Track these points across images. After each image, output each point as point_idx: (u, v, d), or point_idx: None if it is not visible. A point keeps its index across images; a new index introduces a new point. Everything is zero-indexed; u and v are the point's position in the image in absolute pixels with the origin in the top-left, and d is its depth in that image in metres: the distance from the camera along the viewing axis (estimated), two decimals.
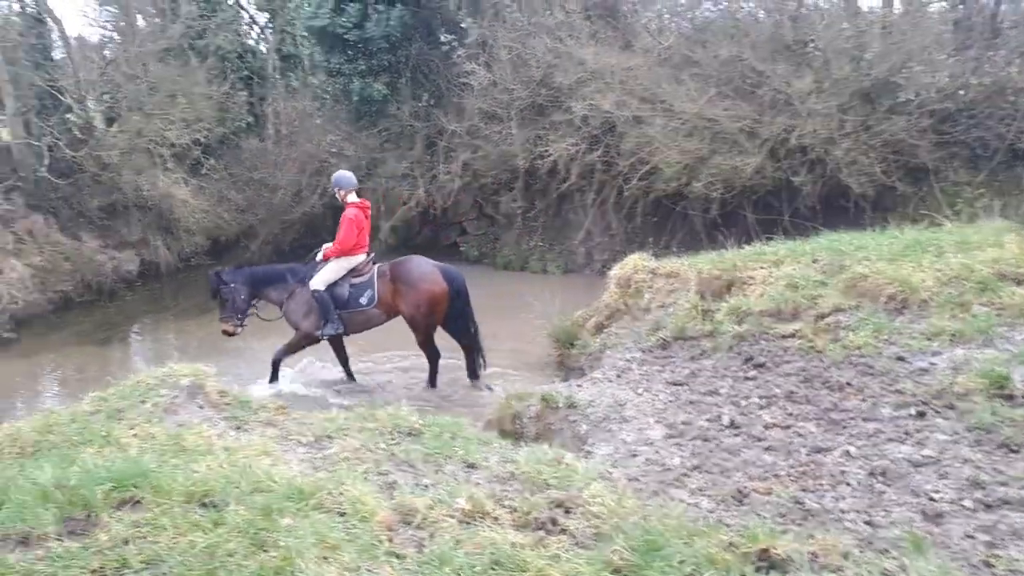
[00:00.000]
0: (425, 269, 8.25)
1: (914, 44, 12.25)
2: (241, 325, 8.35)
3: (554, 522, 3.42)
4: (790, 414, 5.16)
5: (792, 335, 6.30)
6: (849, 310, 6.32)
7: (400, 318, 8.29)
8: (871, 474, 4.21)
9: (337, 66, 17.11)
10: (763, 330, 6.49)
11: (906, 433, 4.61)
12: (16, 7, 15.72)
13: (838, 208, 12.39)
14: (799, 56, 13.25)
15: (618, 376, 6.49)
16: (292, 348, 8.39)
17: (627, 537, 3.16)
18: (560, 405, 5.85)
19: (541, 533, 3.32)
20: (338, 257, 8.14)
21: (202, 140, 16.46)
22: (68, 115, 15.52)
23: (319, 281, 8.06)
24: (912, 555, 3.21)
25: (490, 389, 8.26)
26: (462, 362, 8.55)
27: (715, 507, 4.01)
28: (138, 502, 3.36)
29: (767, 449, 4.72)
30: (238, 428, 5.01)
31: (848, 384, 5.37)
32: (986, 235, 7.12)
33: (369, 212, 8.48)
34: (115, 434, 4.54)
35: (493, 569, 2.90)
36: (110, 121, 17.09)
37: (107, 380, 6.08)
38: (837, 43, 12.78)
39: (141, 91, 16.17)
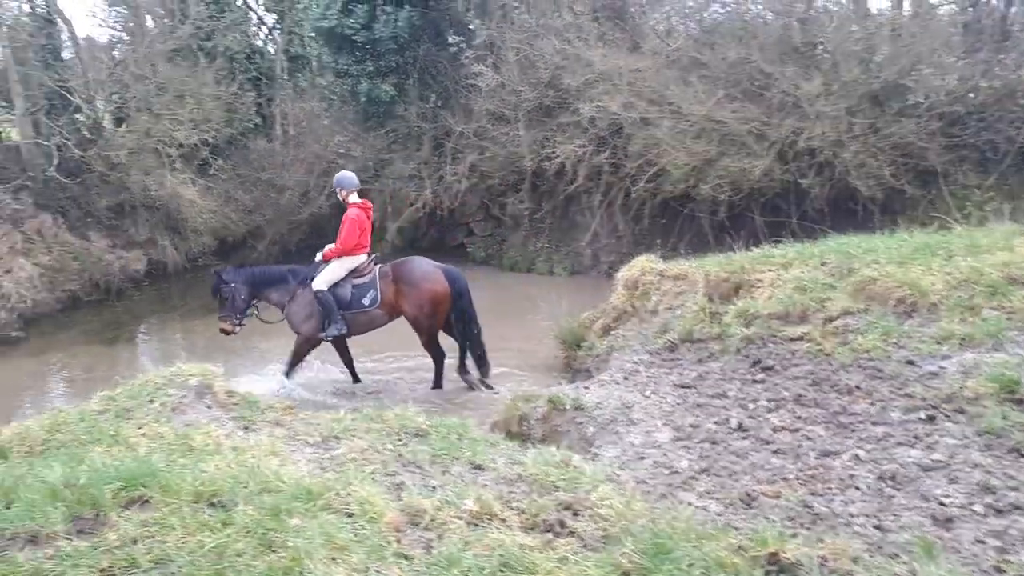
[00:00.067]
0: (427, 269, 8.26)
1: (923, 46, 12.21)
2: (239, 325, 8.34)
3: (562, 524, 3.41)
4: (798, 417, 5.14)
5: (800, 338, 6.27)
6: (858, 313, 6.29)
7: (403, 320, 8.29)
8: (880, 478, 4.18)
9: (345, 67, 17.14)
10: (771, 333, 6.46)
11: (916, 437, 4.58)
12: (26, 8, 15.81)
13: (846, 211, 12.36)
14: (808, 58, 13.23)
15: (625, 378, 6.48)
16: (298, 356, 8.33)
17: (636, 540, 3.14)
18: (567, 407, 5.83)
19: (549, 535, 3.31)
20: (339, 257, 8.14)
21: (210, 140, 16.51)
22: (77, 115, 15.58)
23: (322, 281, 8.05)
24: (922, 560, 3.19)
25: (488, 388, 8.26)
26: (468, 361, 8.52)
27: (723, 510, 3.99)
28: (147, 501, 3.37)
29: (775, 452, 4.70)
30: (246, 428, 5.02)
31: (857, 387, 5.34)
32: (996, 238, 7.07)
33: (371, 213, 8.50)
34: (123, 433, 4.55)
35: (502, 571, 2.89)
36: (119, 121, 17.19)
37: (115, 379, 6.11)
38: (846, 45, 12.75)
39: (150, 91, 16.24)
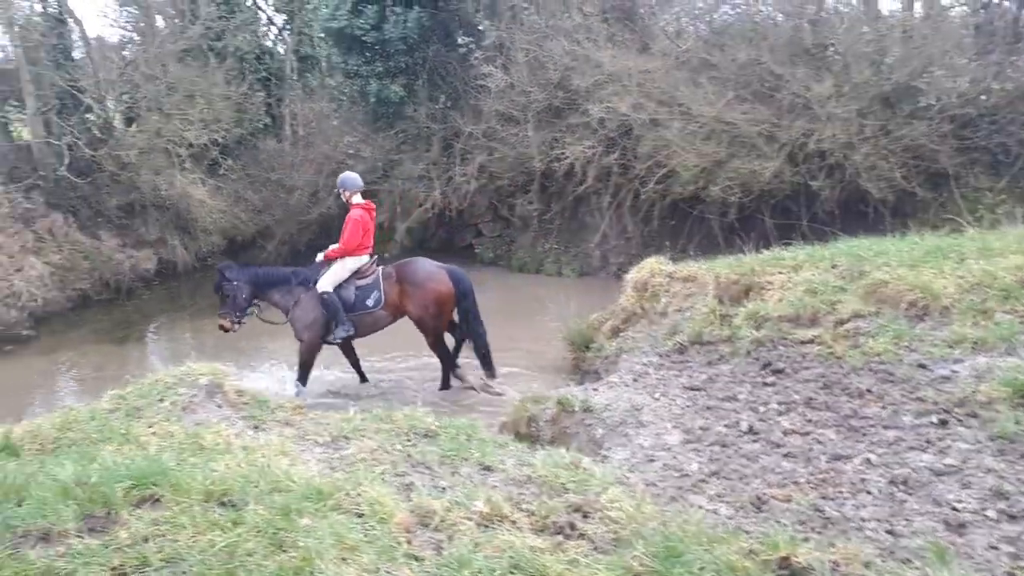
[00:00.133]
0: (431, 269, 8.27)
1: (935, 48, 12.16)
2: (238, 323, 8.30)
3: (572, 526, 3.40)
4: (809, 421, 5.12)
5: (811, 341, 6.23)
6: (869, 316, 6.25)
7: (407, 320, 8.28)
8: (892, 482, 4.16)
9: (354, 68, 17.16)
10: (782, 335, 6.43)
11: (928, 441, 4.55)
12: (38, 7, 15.87)
13: (857, 213, 12.31)
14: (818, 60, 13.19)
15: (635, 380, 6.46)
16: (306, 365, 8.22)
17: (647, 543, 3.13)
18: (576, 409, 5.82)
19: (560, 537, 3.30)
20: (341, 258, 8.12)
21: (220, 140, 16.55)
22: (88, 115, 15.64)
23: (327, 283, 8.02)
24: (935, 565, 3.16)
25: (490, 388, 8.25)
26: (475, 361, 8.50)
27: (734, 514, 3.98)
28: (158, 500, 3.38)
29: (786, 456, 4.68)
30: (256, 427, 5.04)
31: (868, 391, 5.31)
32: (1009, 242, 7.02)
33: (374, 214, 8.49)
34: (134, 432, 4.57)
35: (512, 573, 2.88)
36: (129, 121, 17.26)
37: (125, 378, 6.13)
38: (857, 47, 12.70)
39: (160, 91, 16.30)
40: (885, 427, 4.82)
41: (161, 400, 5.29)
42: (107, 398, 5.40)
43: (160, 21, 18.84)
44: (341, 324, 7.97)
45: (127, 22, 18.72)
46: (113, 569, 2.85)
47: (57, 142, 14.67)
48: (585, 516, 3.52)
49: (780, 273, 7.35)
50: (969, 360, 5.32)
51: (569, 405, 5.87)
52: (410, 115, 17.09)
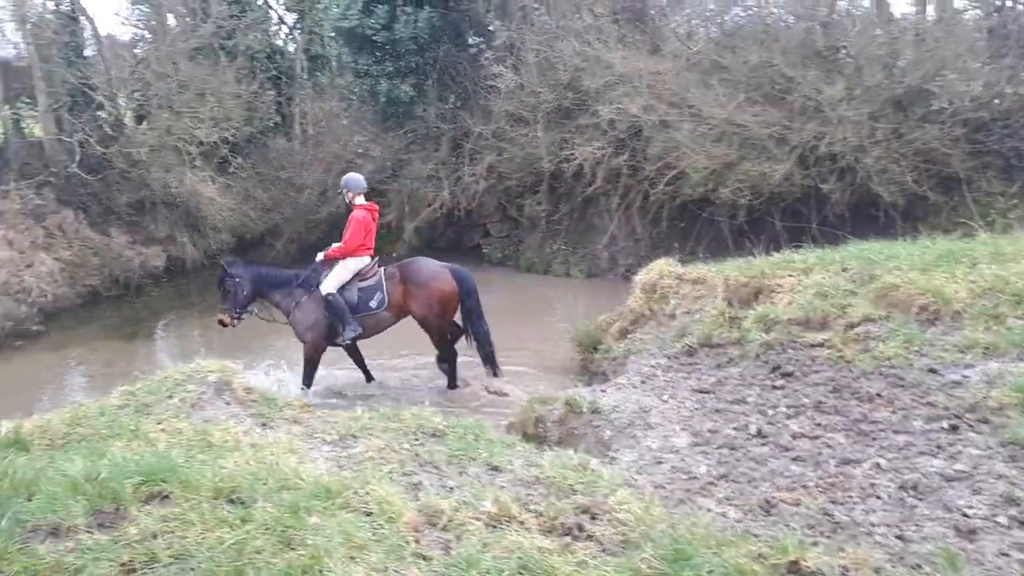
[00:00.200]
0: (434, 269, 8.27)
1: (948, 52, 12.10)
2: (238, 319, 8.30)
3: (580, 528, 3.39)
4: (818, 424, 5.09)
5: (821, 344, 6.21)
6: (879, 320, 6.22)
7: (411, 320, 8.28)
8: (902, 487, 4.13)
9: (365, 67, 17.19)
10: (791, 339, 6.40)
11: (938, 447, 4.52)
12: (51, 5, 15.97)
13: (868, 217, 12.26)
14: (830, 62, 13.14)
15: (643, 382, 6.44)
16: (310, 365, 8.19)
17: (655, 545, 3.12)
18: (584, 410, 5.81)
19: (568, 539, 3.29)
20: (342, 258, 8.09)
21: (230, 139, 16.62)
22: (99, 112, 15.71)
23: (331, 284, 7.98)
24: (945, 571, 3.15)
25: (494, 386, 8.26)
26: (479, 360, 8.48)
27: (743, 517, 3.95)
28: (166, 497, 3.39)
29: (795, 459, 4.65)
30: (264, 425, 5.04)
31: (878, 395, 5.28)
32: (1021, 246, 6.98)
33: (377, 215, 8.48)
34: (143, 428, 4.59)
35: (520, 574, 2.88)
36: (140, 119, 17.33)
37: (134, 375, 6.14)
38: (869, 50, 12.65)
39: (171, 89, 16.38)
40: (895, 432, 4.79)
41: (170, 397, 5.31)
42: (116, 394, 5.41)
43: (171, 19, 18.94)
44: (348, 326, 7.92)
45: (139, 20, 18.82)
46: (122, 565, 2.86)
47: (68, 139, 14.77)
48: (593, 518, 3.51)
49: (790, 276, 7.33)
50: (980, 365, 5.29)
51: (577, 406, 5.85)
52: (420, 115, 17.10)
